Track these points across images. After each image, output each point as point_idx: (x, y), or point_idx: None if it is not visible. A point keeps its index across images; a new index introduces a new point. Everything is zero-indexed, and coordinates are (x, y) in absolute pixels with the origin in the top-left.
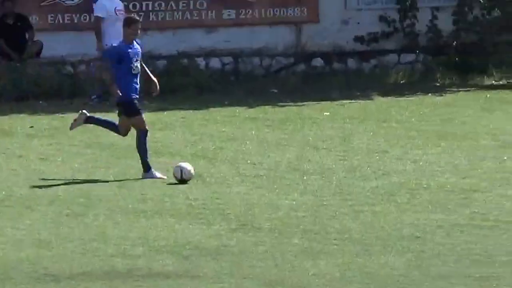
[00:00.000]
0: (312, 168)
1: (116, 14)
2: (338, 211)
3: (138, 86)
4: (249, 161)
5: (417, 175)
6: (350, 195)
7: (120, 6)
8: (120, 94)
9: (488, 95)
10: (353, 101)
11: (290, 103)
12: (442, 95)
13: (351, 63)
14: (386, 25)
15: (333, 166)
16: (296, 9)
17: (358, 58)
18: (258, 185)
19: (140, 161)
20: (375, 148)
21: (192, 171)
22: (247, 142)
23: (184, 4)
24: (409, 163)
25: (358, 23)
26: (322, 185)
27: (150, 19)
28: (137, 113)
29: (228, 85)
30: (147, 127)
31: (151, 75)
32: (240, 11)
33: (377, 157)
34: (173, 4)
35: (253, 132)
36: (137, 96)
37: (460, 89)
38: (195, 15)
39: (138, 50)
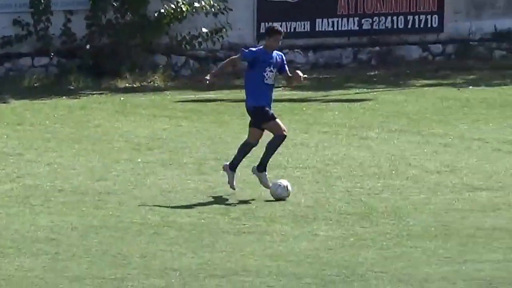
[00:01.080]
0: None
1: None
2: None
3: (271, 98)
4: None
5: (52, 178)
6: None
7: None
8: (208, 80)
9: (122, 98)
10: None
11: None
12: (76, 98)
13: None
14: (20, 29)
15: None
16: None
17: None
18: None
19: (262, 157)
20: (10, 151)
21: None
22: None
23: None
24: (44, 166)
25: None
26: None
27: None
28: (272, 117)
29: None
30: (285, 133)
31: (289, 74)
32: None
33: (12, 160)
34: None
35: None
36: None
37: (94, 92)
38: None
39: (274, 61)
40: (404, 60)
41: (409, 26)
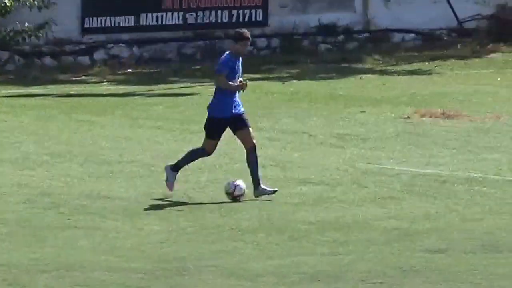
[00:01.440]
0: None
1: None
2: None
3: (238, 103)
4: None
5: None
6: None
7: None
8: (244, 82)
9: None
10: None
11: None
12: None
13: None
14: None
15: None
16: None
17: None
18: None
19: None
20: None
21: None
22: None
23: None
24: None
25: None
26: None
27: None
28: (212, 137)
29: None
30: (211, 152)
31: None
32: None
33: None
34: None
35: None
36: (242, 111)
37: None
38: None
39: (240, 65)
40: None
41: (234, 20)
